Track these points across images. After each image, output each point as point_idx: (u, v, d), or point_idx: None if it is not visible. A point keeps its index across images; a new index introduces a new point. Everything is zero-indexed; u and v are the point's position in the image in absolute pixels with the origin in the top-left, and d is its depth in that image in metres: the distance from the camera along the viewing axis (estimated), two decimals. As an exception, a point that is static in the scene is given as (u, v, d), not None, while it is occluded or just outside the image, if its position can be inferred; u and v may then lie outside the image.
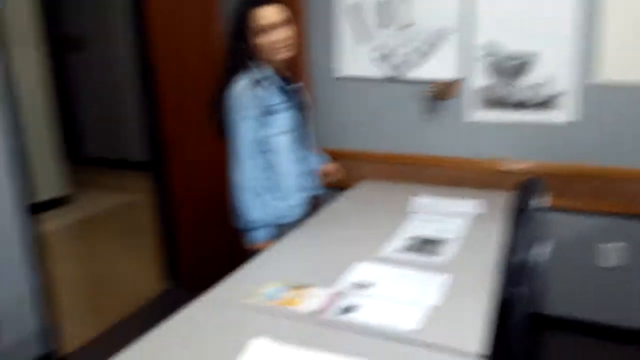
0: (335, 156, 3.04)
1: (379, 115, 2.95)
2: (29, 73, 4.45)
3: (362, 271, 1.69)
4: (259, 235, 2.02)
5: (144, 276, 3.54)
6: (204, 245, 3.17)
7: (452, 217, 2.22)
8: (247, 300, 1.51)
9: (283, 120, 2.03)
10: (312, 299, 1.51)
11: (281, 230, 2.09)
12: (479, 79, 2.66)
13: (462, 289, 1.55)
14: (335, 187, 2.94)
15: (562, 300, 2.80)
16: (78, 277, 3.61)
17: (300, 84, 2.18)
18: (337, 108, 3.02)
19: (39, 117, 4.63)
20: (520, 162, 2.69)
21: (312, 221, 2.23)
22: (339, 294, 1.53)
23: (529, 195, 2.08)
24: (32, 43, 4.47)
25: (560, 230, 2.71)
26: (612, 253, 2.64)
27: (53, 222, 4.52)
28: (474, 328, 1.32)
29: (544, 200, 2.06)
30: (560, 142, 2.61)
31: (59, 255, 3.72)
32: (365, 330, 1.33)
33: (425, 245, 1.90)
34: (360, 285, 1.59)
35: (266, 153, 2.02)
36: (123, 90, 5.99)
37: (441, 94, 2.72)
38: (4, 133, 2.26)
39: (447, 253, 1.83)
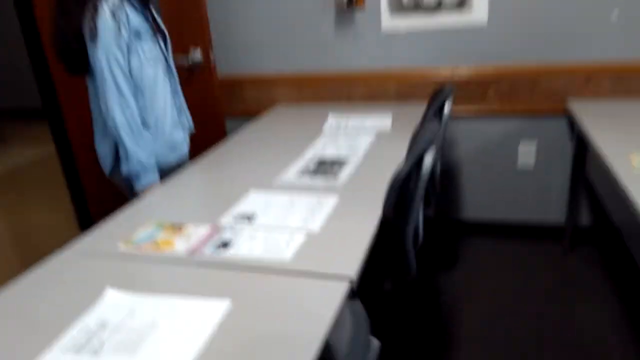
0: (242, 82, 2.82)
1: (288, 33, 2.71)
2: None
3: (249, 202, 1.54)
4: (149, 178, 1.81)
5: (59, 228, 3.34)
6: (110, 190, 2.94)
7: (359, 135, 2.07)
8: (115, 247, 1.34)
9: (152, 46, 1.79)
10: (187, 238, 1.35)
11: (171, 169, 1.89)
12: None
13: (349, 211, 1.42)
14: (247, 115, 2.76)
15: (482, 204, 2.77)
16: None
17: (157, 8, 1.92)
18: (238, 28, 2.76)
19: None
20: (439, 69, 2.56)
21: (210, 155, 2.04)
22: (219, 229, 1.38)
23: (438, 104, 1.95)
24: None
25: (477, 136, 2.64)
26: (527, 154, 2.60)
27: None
28: (352, 251, 1.20)
29: (452, 108, 1.94)
30: (477, 45, 2.48)
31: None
32: (236, 266, 1.19)
33: (323, 167, 1.76)
34: (243, 217, 1.44)
35: (140, 87, 1.78)
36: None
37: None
38: None
39: (343, 174, 1.69)
